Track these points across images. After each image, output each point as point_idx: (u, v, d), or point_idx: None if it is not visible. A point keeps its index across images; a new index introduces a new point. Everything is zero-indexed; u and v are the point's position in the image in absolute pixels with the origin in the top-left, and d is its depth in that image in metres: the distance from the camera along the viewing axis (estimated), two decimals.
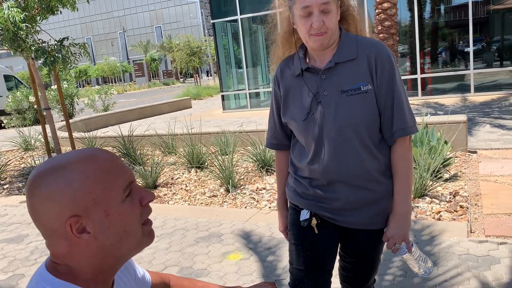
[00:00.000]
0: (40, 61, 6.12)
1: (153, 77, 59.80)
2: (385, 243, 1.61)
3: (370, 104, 1.51)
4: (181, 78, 52.99)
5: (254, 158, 5.51)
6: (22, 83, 16.33)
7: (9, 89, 15.85)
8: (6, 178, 6.55)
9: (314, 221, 1.61)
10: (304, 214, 1.63)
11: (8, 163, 7.19)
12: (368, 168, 1.53)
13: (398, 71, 1.55)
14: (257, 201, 4.42)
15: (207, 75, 47.42)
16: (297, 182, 1.66)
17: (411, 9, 11.50)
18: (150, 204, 1.00)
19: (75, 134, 7.63)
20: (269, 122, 1.78)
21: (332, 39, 1.51)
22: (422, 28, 11.59)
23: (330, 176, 1.55)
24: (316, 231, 1.61)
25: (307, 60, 1.61)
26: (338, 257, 1.74)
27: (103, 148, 0.90)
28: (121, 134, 7.28)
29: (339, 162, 1.53)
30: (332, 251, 1.66)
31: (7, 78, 16.46)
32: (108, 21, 72.06)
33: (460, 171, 4.65)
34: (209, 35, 43.26)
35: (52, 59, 5.79)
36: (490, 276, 2.58)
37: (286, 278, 2.80)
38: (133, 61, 64.38)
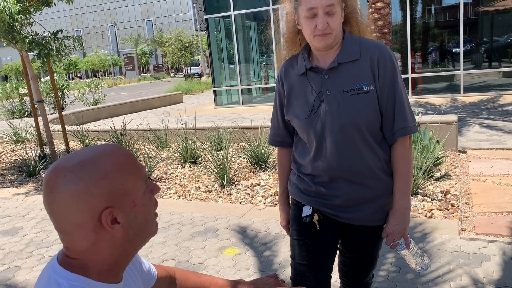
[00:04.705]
0: (33, 53, 6.08)
1: (143, 71, 59.41)
2: (384, 239, 1.66)
3: (372, 103, 1.55)
4: (171, 72, 52.73)
5: (248, 154, 5.55)
6: None
7: None
8: None
9: (316, 217, 1.66)
10: (306, 210, 1.67)
11: None
12: (370, 165, 1.58)
13: (399, 72, 1.60)
14: (252, 197, 4.47)
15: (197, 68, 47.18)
16: (300, 179, 1.71)
17: (403, 9, 11.61)
18: None
19: (68, 127, 7.59)
20: (272, 119, 1.82)
21: (336, 40, 1.56)
22: (413, 28, 11.71)
23: (332, 173, 1.60)
24: (318, 227, 1.66)
25: (311, 60, 1.65)
26: (338, 252, 1.79)
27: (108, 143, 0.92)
28: (114, 128, 7.27)
29: (341, 160, 1.57)
30: (333, 246, 1.71)
31: None
32: (99, 13, 71.29)
33: (451, 171, 4.74)
34: (201, 30, 43.08)
35: (46, 51, 5.75)
36: (481, 272, 2.66)
37: (283, 273, 2.85)
38: (123, 54, 63.84)
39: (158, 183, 4.76)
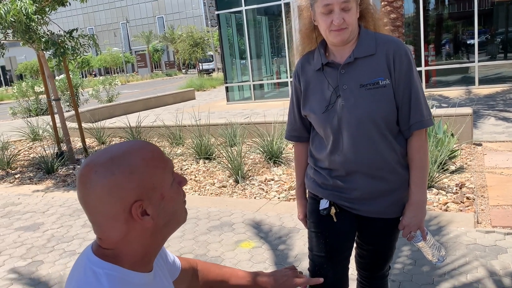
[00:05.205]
0: (49, 52, 6.18)
1: (155, 68, 59.71)
2: (401, 231, 1.68)
3: (388, 98, 1.57)
4: (183, 69, 52.93)
5: (262, 150, 5.59)
6: None
7: None
8: (16, 167, 6.66)
9: (333, 210, 1.69)
10: (324, 204, 1.70)
11: (18, 153, 7.29)
12: (386, 158, 1.60)
13: (415, 66, 1.62)
14: (266, 192, 4.51)
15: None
16: (317, 173, 1.74)
17: (415, 1, 11.49)
18: None
19: (83, 125, 7.71)
20: (289, 115, 1.84)
21: (352, 35, 1.58)
22: (426, 20, 11.58)
23: (349, 167, 1.63)
24: (335, 220, 1.69)
25: (327, 55, 1.67)
26: (355, 245, 1.82)
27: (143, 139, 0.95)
28: (129, 125, 7.36)
29: (358, 153, 1.60)
30: (350, 238, 1.74)
31: None
32: (111, 11, 71.80)
33: (466, 163, 4.72)
34: (212, 25, 43.15)
35: (62, 50, 5.85)
36: (498, 265, 2.67)
37: (299, 266, 2.89)
38: (135, 51, 64.20)
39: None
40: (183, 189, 1.04)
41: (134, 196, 0.88)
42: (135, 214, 0.89)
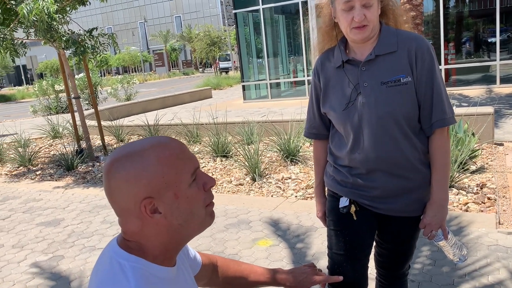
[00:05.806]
0: (69, 51, 6.28)
1: (172, 67, 60.16)
2: (422, 230, 1.66)
3: (409, 95, 1.55)
4: (200, 68, 53.21)
5: (279, 148, 5.58)
6: None
7: None
8: (38, 164, 6.79)
9: (353, 208, 1.67)
10: (344, 201, 1.69)
11: (39, 150, 7.43)
12: (407, 157, 1.58)
13: (437, 64, 1.60)
14: (283, 190, 4.50)
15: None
16: (336, 170, 1.73)
17: None
18: None
19: (102, 123, 7.81)
20: (308, 112, 1.84)
21: (373, 32, 1.56)
22: (446, 18, 11.39)
23: (369, 165, 1.61)
24: (355, 218, 1.68)
25: (347, 53, 1.66)
26: (374, 243, 1.80)
27: (169, 136, 0.96)
28: (147, 123, 7.43)
29: (379, 152, 1.58)
30: (370, 237, 1.72)
31: None
32: (129, 10, 72.58)
33: (487, 163, 4.63)
34: (229, 24, 43.26)
35: (82, 49, 5.93)
36: None
37: (316, 265, 2.88)
38: (153, 50, 64.80)
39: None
40: (211, 192, 1.02)
41: (144, 193, 0.89)
42: (144, 211, 0.90)
